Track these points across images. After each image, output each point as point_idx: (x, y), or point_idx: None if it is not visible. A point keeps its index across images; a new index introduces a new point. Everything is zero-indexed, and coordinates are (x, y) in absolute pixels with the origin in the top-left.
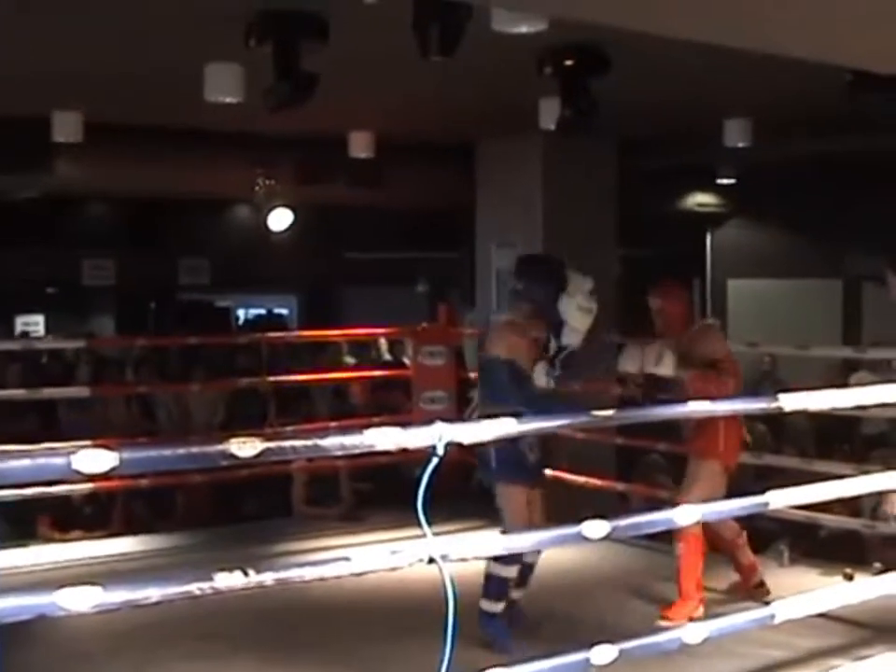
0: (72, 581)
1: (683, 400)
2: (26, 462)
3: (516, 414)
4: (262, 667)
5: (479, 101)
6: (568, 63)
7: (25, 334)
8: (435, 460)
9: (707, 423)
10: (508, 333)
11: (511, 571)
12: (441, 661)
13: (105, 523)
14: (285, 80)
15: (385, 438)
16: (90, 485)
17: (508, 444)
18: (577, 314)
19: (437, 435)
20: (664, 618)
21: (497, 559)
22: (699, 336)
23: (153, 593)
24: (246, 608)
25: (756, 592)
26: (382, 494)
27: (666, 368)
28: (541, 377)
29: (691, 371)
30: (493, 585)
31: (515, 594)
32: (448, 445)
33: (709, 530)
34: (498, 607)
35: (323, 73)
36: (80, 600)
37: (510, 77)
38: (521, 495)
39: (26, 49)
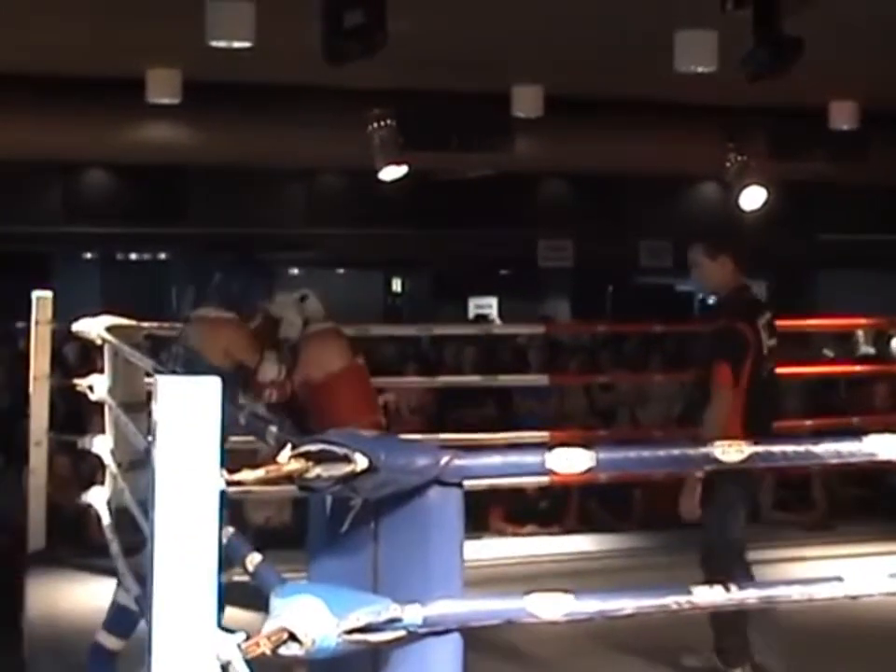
0: (528, 579)
1: None
2: (497, 459)
3: None
4: None
5: None
6: None
7: (482, 317)
8: None
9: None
10: None
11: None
12: None
13: (560, 518)
14: (765, 46)
15: (889, 446)
16: (545, 478)
17: None
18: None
19: None
20: None
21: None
22: None
23: (627, 604)
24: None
25: None
26: (861, 502)
27: None
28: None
29: None
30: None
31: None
32: None
33: None
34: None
35: (806, 37)
36: (552, 608)
37: None
38: None
39: (485, 23)
